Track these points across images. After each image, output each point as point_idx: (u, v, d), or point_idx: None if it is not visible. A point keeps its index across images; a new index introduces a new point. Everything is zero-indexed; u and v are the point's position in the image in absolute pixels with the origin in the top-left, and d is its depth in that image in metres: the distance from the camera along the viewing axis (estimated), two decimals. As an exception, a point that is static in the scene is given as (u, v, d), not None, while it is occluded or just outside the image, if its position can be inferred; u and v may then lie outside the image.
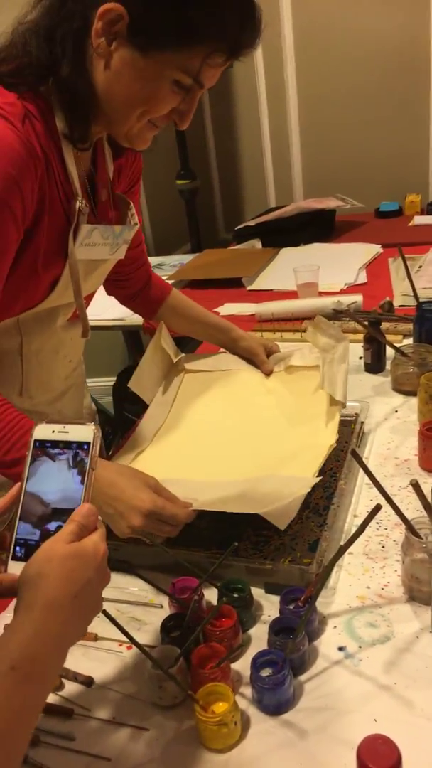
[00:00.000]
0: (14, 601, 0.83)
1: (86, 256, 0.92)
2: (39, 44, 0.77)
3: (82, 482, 0.56)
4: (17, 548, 0.56)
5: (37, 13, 0.78)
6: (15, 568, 0.54)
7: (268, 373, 1.21)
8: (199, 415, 1.15)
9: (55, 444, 0.58)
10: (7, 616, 0.80)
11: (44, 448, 0.58)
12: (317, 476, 0.86)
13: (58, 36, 0.76)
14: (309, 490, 0.82)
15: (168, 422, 1.14)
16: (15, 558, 0.55)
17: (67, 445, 0.57)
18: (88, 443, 0.57)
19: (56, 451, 0.57)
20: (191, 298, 1.28)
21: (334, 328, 1.15)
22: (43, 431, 0.58)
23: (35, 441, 0.58)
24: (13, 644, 0.46)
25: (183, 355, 1.30)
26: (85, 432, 0.57)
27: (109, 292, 1.23)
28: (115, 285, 1.20)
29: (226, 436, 1.08)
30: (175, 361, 1.27)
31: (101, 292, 1.15)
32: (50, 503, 0.56)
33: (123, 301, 1.26)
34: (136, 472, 0.81)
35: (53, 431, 0.58)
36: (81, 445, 0.57)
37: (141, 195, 1.09)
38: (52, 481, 0.56)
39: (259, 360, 1.23)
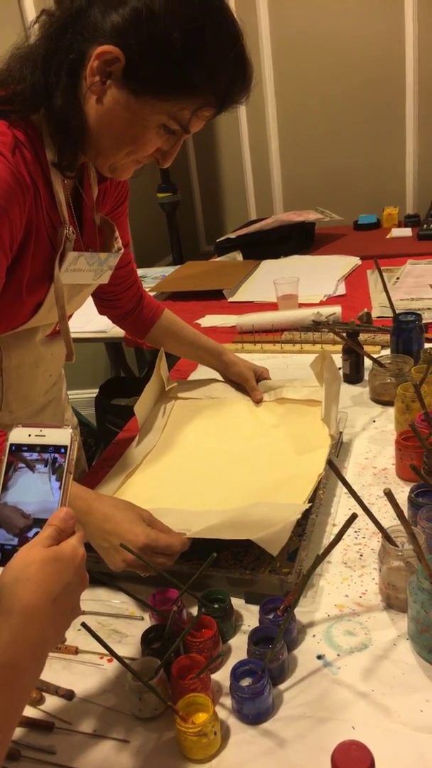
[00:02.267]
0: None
1: (71, 281, 0.93)
2: (34, 72, 0.77)
3: (59, 487, 0.56)
4: None
5: (36, 40, 0.79)
6: None
7: (257, 401, 1.23)
8: (188, 443, 1.16)
9: (31, 448, 0.57)
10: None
11: (20, 452, 0.57)
12: (307, 503, 0.88)
13: (53, 65, 0.76)
14: (299, 516, 0.83)
15: (158, 448, 1.15)
16: None
17: (44, 449, 0.57)
18: (65, 447, 0.57)
19: (33, 455, 0.57)
20: (172, 310, 1.29)
21: (335, 366, 1.17)
22: (19, 435, 0.57)
23: (11, 445, 0.57)
24: None
25: (176, 384, 1.31)
26: (62, 435, 0.57)
27: (100, 312, 1.23)
28: (106, 305, 1.20)
29: (215, 465, 1.09)
30: (167, 388, 1.28)
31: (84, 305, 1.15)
32: (30, 514, 0.55)
33: (115, 321, 1.26)
34: (131, 505, 0.80)
35: (29, 435, 0.57)
36: (58, 449, 0.57)
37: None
38: (31, 492, 0.56)
39: (249, 386, 1.25)
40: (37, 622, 0.48)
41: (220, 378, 1.31)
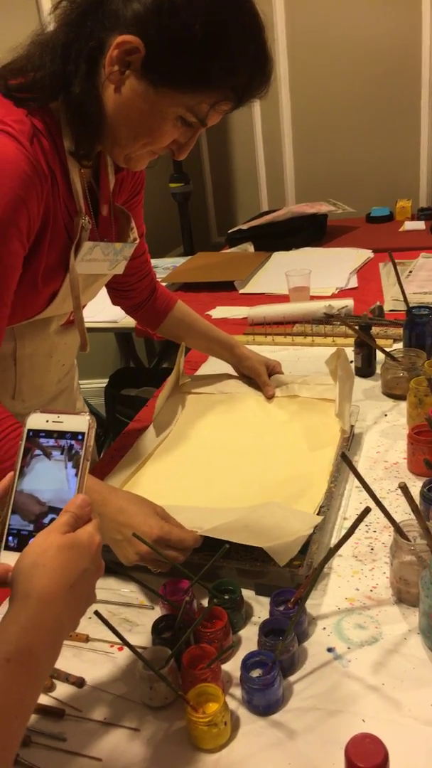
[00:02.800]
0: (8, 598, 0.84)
1: (86, 271, 0.93)
2: (54, 59, 0.76)
3: (76, 474, 0.56)
4: (10, 538, 0.55)
5: (55, 28, 0.78)
6: (7, 558, 0.54)
7: (270, 397, 1.23)
8: (200, 438, 1.16)
9: (48, 434, 0.57)
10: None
11: (38, 438, 0.57)
12: (319, 514, 0.88)
13: (73, 53, 0.76)
14: (311, 531, 0.81)
15: (169, 441, 1.15)
16: (7, 548, 0.55)
17: (61, 435, 0.57)
18: (82, 433, 0.56)
19: (50, 442, 0.57)
20: (183, 301, 1.29)
21: (349, 365, 1.16)
22: (36, 420, 0.58)
23: (29, 431, 0.57)
24: (9, 636, 0.46)
25: (189, 379, 1.32)
26: (80, 422, 0.57)
27: (114, 302, 1.23)
28: (119, 295, 1.20)
29: (226, 460, 1.08)
30: (180, 383, 1.29)
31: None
32: (46, 502, 0.56)
33: (128, 312, 1.26)
34: (145, 500, 0.80)
35: (47, 420, 0.57)
36: (75, 436, 0.57)
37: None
38: (47, 479, 0.56)
39: (262, 381, 1.25)
40: (54, 608, 0.48)
41: (232, 372, 1.31)
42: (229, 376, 1.31)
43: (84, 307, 1.09)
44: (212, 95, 0.77)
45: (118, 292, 1.19)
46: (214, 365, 1.48)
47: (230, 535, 0.79)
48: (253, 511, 0.85)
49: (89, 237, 0.89)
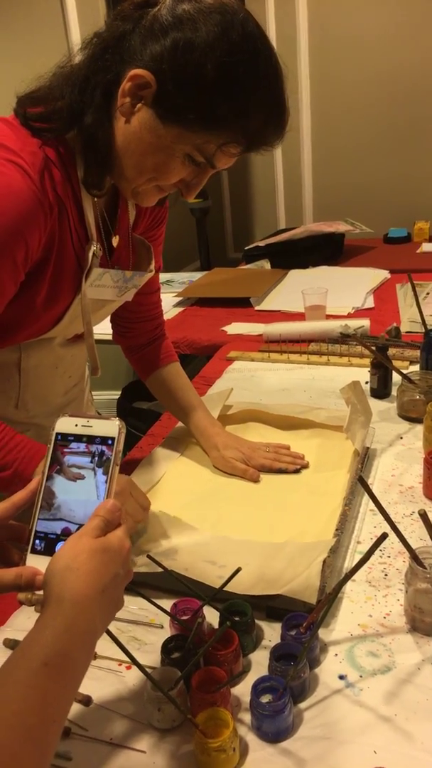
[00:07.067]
0: (15, 613, 0.83)
1: (94, 296, 0.93)
2: (73, 91, 0.78)
3: (106, 481, 0.56)
4: (37, 541, 0.56)
5: (78, 60, 0.80)
6: (34, 561, 0.55)
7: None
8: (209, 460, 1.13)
9: (78, 438, 0.57)
10: (8, 630, 0.80)
11: (66, 441, 0.57)
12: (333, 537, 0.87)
13: (90, 85, 0.77)
14: (326, 554, 0.80)
15: (181, 462, 1.13)
16: (34, 551, 0.55)
17: (90, 440, 0.57)
18: (112, 438, 0.57)
19: (80, 446, 0.57)
20: (199, 317, 1.27)
21: (365, 397, 1.15)
22: (65, 424, 0.58)
23: (57, 434, 0.58)
24: (45, 640, 0.47)
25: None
26: (110, 427, 0.57)
27: (114, 339, 1.20)
28: (119, 332, 1.18)
29: (238, 482, 1.07)
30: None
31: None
32: (75, 506, 0.56)
33: (125, 353, 1.21)
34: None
35: (76, 425, 0.58)
36: (105, 440, 0.57)
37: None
38: (76, 484, 0.56)
39: (240, 472, 1.07)
40: (88, 611, 0.49)
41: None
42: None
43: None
44: (220, 135, 0.76)
45: (119, 327, 1.17)
46: (228, 381, 1.48)
47: (247, 588, 0.78)
48: (264, 552, 0.83)
49: (100, 264, 0.90)
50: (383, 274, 2.15)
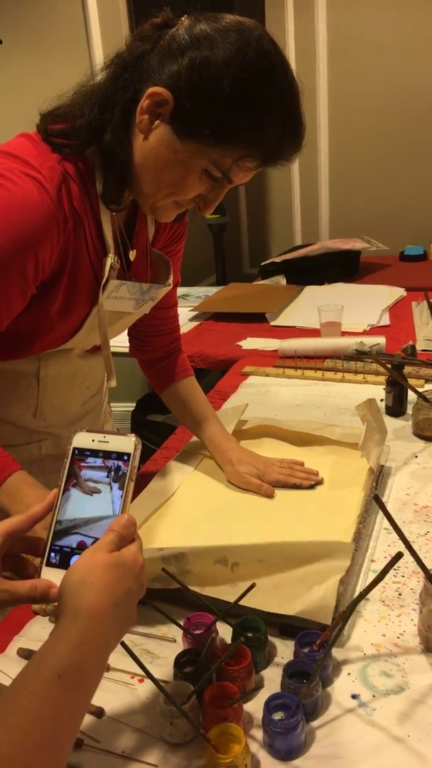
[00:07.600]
0: (29, 623, 0.84)
1: (111, 308, 0.95)
2: (93, 109, 0.80)
3: (121, 496, 0.57)
4: (52, 554, 0.57)
5: (101, 79, 0.82)
6: (49, 574, 0.56)
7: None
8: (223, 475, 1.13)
9: (94, 453, 0.59)
10: (22, 639, 0.81)
11: (83, 455, 0.59)
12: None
13: (110, 103, 0.79)
14: (342, 574, 0.80)
15: (193, 478, 1.13)
16: (49, 564, 0.56)
17: (107, 455, 0.58)
18: (128, 454, 0.58)
19: (97, 461, 0.58)
20: (214, 331, 1.28)
21: (380, 415, 1.16)
22: (82, 439, 0.59)
23: (74, 449, 0.59)
24: (59, 652, 0.47)
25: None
26: (126, 443, 0.58)
27: (131, 354, 1.21)
28: (136, 345, 1.19)
29: (252, 498, 1.07)
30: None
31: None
32: (90, 520, 0.57)
33: (142, 367, 1.22)
34: None
35: (93, 440, 0.59)
36: (121, 456, 0.58)
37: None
38: (92, 499, 0.58)
39: (254, 487, 1.07)
40: (101, 625, 0.49)
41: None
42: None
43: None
44: (236, 150, 0.78)
45: (136, 342, 1.18)
46: (242, 396, 1.48)
47: (261, 604, 0.78)
48: (277, 559, 0.83)
49: (117, 276, 0.92)
50: (399, 292, 2.15)
